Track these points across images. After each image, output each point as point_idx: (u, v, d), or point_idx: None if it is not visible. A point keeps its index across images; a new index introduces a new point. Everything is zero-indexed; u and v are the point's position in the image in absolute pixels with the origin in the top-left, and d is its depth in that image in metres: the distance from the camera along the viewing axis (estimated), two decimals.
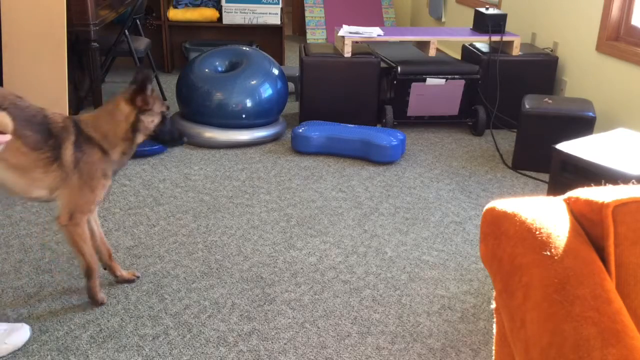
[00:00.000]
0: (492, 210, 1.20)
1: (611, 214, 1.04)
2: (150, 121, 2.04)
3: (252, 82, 3.65)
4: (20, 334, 1.95)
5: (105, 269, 2.27)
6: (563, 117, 3.24)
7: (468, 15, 5.39)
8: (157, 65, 5.25)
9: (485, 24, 3.96)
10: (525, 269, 1.06)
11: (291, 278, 2.35)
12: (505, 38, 3.94)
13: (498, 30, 3.95)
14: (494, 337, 1.26)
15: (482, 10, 4.06)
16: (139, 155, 3.46)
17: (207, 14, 5.38)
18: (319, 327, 2.07)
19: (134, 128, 2.02)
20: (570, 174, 2.48)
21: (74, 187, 1.96)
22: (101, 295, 2.17)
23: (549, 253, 1.04)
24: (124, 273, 2.29)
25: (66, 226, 2.00)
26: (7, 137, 1.75)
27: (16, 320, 2.06)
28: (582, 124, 3.19)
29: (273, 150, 3.66)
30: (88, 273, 2.11)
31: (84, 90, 4.25)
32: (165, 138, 2.13)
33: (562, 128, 3.19)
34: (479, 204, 3.01)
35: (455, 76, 3.87)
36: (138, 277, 2.31)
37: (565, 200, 1.17)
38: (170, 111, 2.09)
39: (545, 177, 3.20)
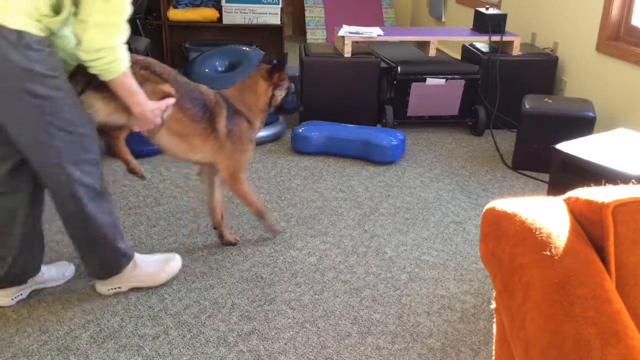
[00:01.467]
0: (492, 210, 1.20)
1: (611, 214, 1.04)
2: (280, 95, 2.42)
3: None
4: (175, 262, 2.30)
5: (214, 228, 2.56)
6: (563, 117, 3.25)
7: (468, 15, 5.39)
8: None
9: (485, 24, 3.96)
10: (525, 269, 1.06)
11: (291, 278, 2.35)
12: (505, 38, 3.94)
13: (498, 30, 3.95)
14: (494, 337, 1.26)
15: (482, 10, 4.06)
16: (139, 155, 3.46)
17: (207, 14, 5.38)
18: (319, 327, 2.07)
19: (270, 101, 2.40)
20: (570, 174, 2.48)
21: (229, 153, 2.33)
22: (277, 226, 2.65)
23: (549, 253, 1.04)
24: (229, 236, 2.57)
25: (233, 186, 2.41)
26: (172, 100, 2.08)
27: (16, 321, 2.06)
28: (582, 124, 3.19)
29: (273, 150, 3.66)
30: (260, 215, 2.54)
31: None
32: (289, 108, 2.52)
33: (562, 128, 3.19)
34: (479, 204, 3.01)
35: (455, 76, 3.87)
36: (239, 242, 2.58)
37: (565, 200, 1.17)
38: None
39: (545, 177, 3.20)
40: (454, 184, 3.24)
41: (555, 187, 2.58)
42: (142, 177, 2.32)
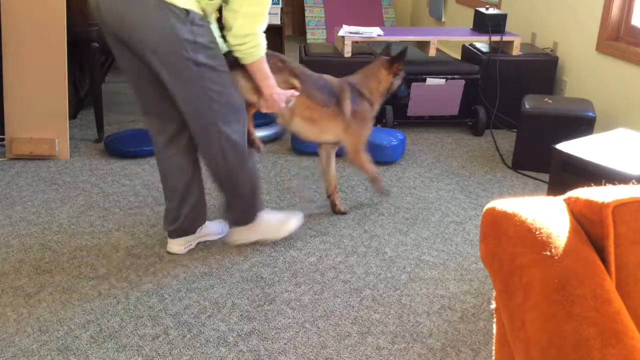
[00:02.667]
0: (492, 210, 1.20)
1: (611, 214, 1.04)
2: (397, 83, 2.80)
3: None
4: (297, 219, 2.61)
5: (328, 197, 2.88)
6: (563, 117, 3.24)
7: (468, 15, 5.39)
8: None
9: (485, 24, 3.96)
10: (525, 269, 1.06)
11: (291, 278, 2.35)
12: (505, 38, 3.94)
13: (498, 30, 3.95)
14: (494, 337, 1.26)
15: (482, 10, 4.06)
16: (139, 155, 3.46)
17: None
18: (319, 327, 2.07)
19: (388, 87, 2.78)
20: (570, 174, 2.48)
21: (354, 131, 2.68)
22: (385, 189, 3.05)
23: (549, 253, 1.04)
24: (341, 206, 2.88)
25: (354, 158, 2.76)
26: (297, 93, 2.41)
27: (16, 321, 2.06)
28: (582, 124, 3.19)
29: (273, 150, 3.66)
30: (374, 179, 2.88)
31: (84, 90, 4.25)
32: (402, 95, 2.90)
33: (562, 128, 3.19)
34: (479, 204, 3.01)
35: (455, 76, 3.87)
36: (348, 212, 2.88)
37: (565, 200, 1.17)
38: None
39: (545, 177, 3.20)
40: (454, 184, 3.24)
41: (555, 187, 2.58)
42: (258, 150, 2.50)
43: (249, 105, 2.36)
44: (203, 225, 2.52)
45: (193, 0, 2.03)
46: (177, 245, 2.48)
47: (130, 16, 2.02)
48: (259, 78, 2.24)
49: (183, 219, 2.42)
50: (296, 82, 2.46)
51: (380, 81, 2.76)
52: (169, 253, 2.48)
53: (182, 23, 2.00)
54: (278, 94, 2.30)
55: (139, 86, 2.27)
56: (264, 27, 2.14)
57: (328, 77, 2.65)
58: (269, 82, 2.27)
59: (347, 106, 2.63)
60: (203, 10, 2.08)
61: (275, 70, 2.33)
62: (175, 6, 1.99)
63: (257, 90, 2.29)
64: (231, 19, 2.08)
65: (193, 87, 2.12)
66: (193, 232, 2.49)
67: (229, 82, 2.20)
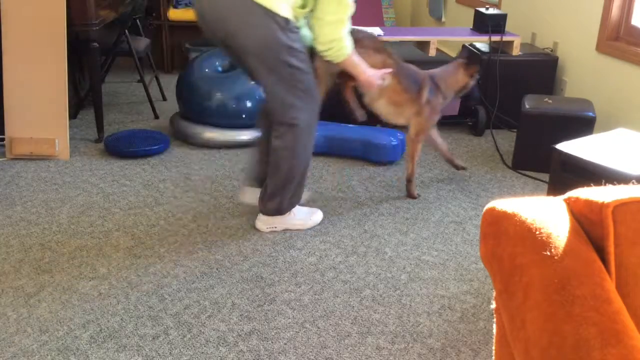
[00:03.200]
0: (492, 210, 1.20)
1: (611, 214, 1.04)
2: (470, 84, 3.03)
3: (252, 82, 3.64)
4: (319, 215, 2.77)
5: (446, 160, 3.32)
6: (563, 117, 3.24)
7: (468, 15, 5.39)
8: (157, 65, 5.25)
9: (485, 24, 3.96)
10: (525, 269, 1.06)
11: (291, 278, 2.35)
12: (505, 38, 3.94)
13: (498, 30, 3.95)
14: (494, 337, 1.26)
15: (482, 10, 4.06)
16: (139, 155, 3.46)
17: None
18: (319, 327, 2.07)
19: (463, 86, 3.02)
20: (570, 174, 2.48)
21: (423, 117, 2.92)
22: (417, 192, 3.09)
23: (549, 253, 1.04)
24: (459, 163, 3.33)
25: (412, 140, 2.98)
26: (390, 70, 2.72)
27: (16, 321, 2.06)
28: (582, 124, 3.19)
29: None
30: (410, 177, 3.04)
31: (84, 90, 4.25)
32: (475, 96, 3.33)
33: (562, 128, 3.19)
34: (479, 204, 3.01)
35: None
36: (466, 168, 3.39)
37: (565, 200, 1.17)
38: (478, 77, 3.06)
39: (545, 177, 3.20)
40: (454, 184, 3.24)
41: (555, 187, 2.58)
42: (362, 117, 2.85)
43: (350, 79, 2.68)
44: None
45: (289, 9, 2.27)
46: (263, 224, 2.68)
47: (234, 22, 2.27)
48: (351, 70, 2.54)
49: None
50: (391, 63, 2.76)
51: (457, 80, 2.99)
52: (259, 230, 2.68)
53: (282, 30, 2.27)
54: (372, 76, 2.60)
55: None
56: (347, 30, 2.38)
57: (414, 67, 2.91)
58: (361, 68, 2.55)
59: (425, 95, 2.88)
60: (295, 18, 2.32)
61: (376, 50, 2.72)
62: (279, 15, 2.24)
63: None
64: (317, 27, 2.34)
65: (284, 85, 2.36)
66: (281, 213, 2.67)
67: (312, 84, 2.45)
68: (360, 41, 2.65)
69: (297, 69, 2.35)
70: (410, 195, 3.06)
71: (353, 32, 2.49)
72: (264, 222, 2.66)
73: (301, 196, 2.68)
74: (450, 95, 3.01)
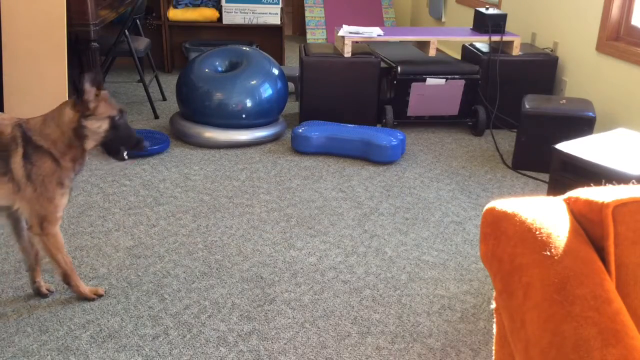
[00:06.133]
0: (492, 210, 1.20)
1: (611, 214, 1.04)
2: (98, 126, 1.93)
3: (252, 82, 3.65)
4: None
5: (27, 270, 2.20)
6: (563, 117, 3.24)
7: (468, 15, 5.39)
8: (157, 65, 5.25)
9: (485, 24, 3.96)
10: (525, 269, 1.06)
11: (291, 278, 2.35)
12: (505, 38, 3.94)
13: (498, 30, 3.95)
14: (494, 337, 1.26)
15: (482, 10, 4.06)
16: (139, 155, 3.46)
17: (207, 14, 5.38)
18: (319, 327, 2.07)
19: (79, 134, 1.92)
20: (570, 174, 2.48)
21: (30, 199, 1.92)
22: (89, 289, 2.18)
23: (549, 253, 1.04)
24: (43, 284, 2.21)
25: (39, 235, 1.99)
26: None
27: (16, 321, 2.06)
28: (582, 124, 3.19)
29: (273, 150, 3.66)
30: (66, 278, 2.11)
31: None
32: (118, 146, 1.99)
33: (562, 128, 3.19)
34: (479, 204, 3.01)
35: (455, 76, 3.87)
36: (51, 293, 2.20)
37: (565, 200, 1.17)
38: (125, 115, 2.01)
39: (545, 177, 3.20)
40: (454, 184, 3.24)
41: (555, 187, 2.58)
42: None
43: None
44: None
45: None
46: None
47: None
48: None
49: None
50: None
51: (61, 128, 1.92)
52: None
53: None
54: None
55: None
56: None
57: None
58: None
59: (17, 163, 1.89)
60: None
61: None
62: None
63: None
64: None
65: None
66: None
67: None
68: None
69: None
70: (84, 296, 2.16)
71: None
72: None
73: None
74: (64, 155, 1.93)
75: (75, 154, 1.95)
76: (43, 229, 1.97)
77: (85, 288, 2.17)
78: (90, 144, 1.95)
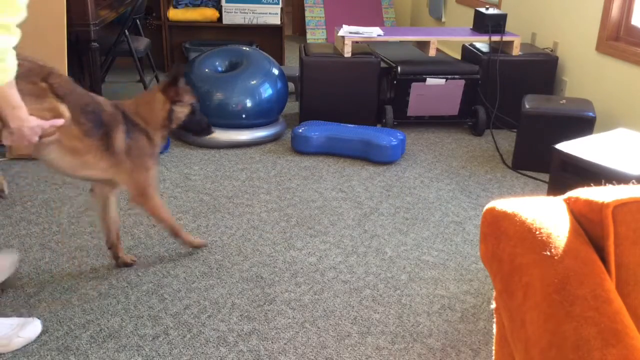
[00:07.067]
0: (492, 210, 1.20)
1: (611, 214, 1.04)
2: (181, 111, 2.27)
3: (252, 82, 3.65)
4: (33, 327, 2.01)
5: (109, 248, 2.40)
6: (563, 117, 3.24)
7: (468, 15, 5.39)
8: (157, 65, 5.25)
9: (485, 24, 3.96)
10: (525, 269, 1.06)
11: (291, 278, 2.35)
12: (505, 38, 3.94)
13: (498, 30, 3.95)
14: (494, 337, 1.26)
15: (482, 10, 4.06)
16: None
17: (207, 14, 5.38)
18: (319, 327, 2.07)
19: (168, 117, 2.26)
20: (570, 174, 2.48)
21: (130, 170, 2.18)
22: (198, 240, 2.52)
23: (549, 253, 1.04)
24: (125, 256, 2.42)
25: (142, 204, 2.25)
26: (60, 121, 1.90)
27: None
28: (582, 124, 3.19)
29: (273, 150, 3.66)
30: (175, 234, 2.40)
31: None
32: (195, 128, 2.37)
33: (562, 128, 3.19)
34: (479, 204, 3.01)
35: (455, 76, 3.87)
36: (135, 262, 2.43)
37: (565, 200, 1.17)
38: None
39: (545, 177, 3.20)
40: (454, 184, 3.24)
41: (555, 187, 2.58)
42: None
43: None
44: None
45: None
46: None
47: None
48: (4, 107, 1.71)
49: None
50: (64, 110, 1.95)
51: (154, 111, 2.24)
52: None
53: None
54: (30, 127, 1.79)
55: None
56: (15, 40, 1.61)
57: (102, 101, 2.13)
58: (19, 113, 1.74)
59: (119, 139, 2.13)
60: None
61: (38, 94, 1.88)
62: None
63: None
64: None
65: None
66: None
67: None
68: (23, 71, 1.78)
69: None
70: (193, 246, 2.49)
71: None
72: None
73: None
74: (156, 132, 2.25)
75: (164, 133, 2.29)
76: (144, 196, 2.24)
77: (195, 239, 2.49)
78: (174, 124, 2.28)
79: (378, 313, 2.15)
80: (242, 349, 1.95)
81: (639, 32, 3.42)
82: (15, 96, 1.71)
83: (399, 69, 3.84)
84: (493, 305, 1.22)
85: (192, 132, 2.41)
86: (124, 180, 2.20)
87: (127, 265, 2.41)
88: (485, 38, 3.97)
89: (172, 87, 2.25)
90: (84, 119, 2.03)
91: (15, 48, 1.63)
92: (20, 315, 2.09)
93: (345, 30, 3.93)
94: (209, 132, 2.45)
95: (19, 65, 1.72)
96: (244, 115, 3.63)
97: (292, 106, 4.45)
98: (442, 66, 3.95)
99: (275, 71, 3.77)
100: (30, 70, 1.88)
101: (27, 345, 1.94)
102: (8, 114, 1.73)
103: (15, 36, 1.60)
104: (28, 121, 1.78)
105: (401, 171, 3.39)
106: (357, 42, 3.97)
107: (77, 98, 2.02)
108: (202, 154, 3.56)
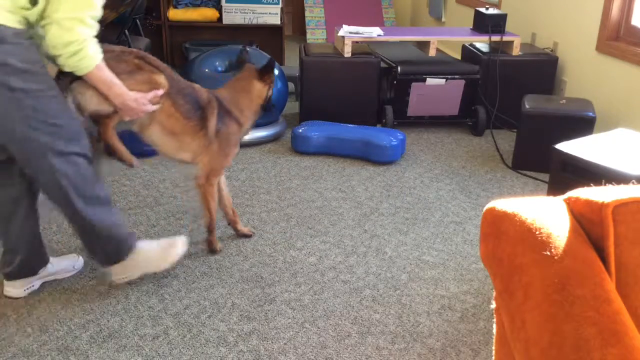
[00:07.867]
0: (492, 210, 1.20)
1: (611, 214, 1.04)
2: (270, 94, 2.45)
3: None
4: (179, 247, 2.26)
5: (229, 224, 2.61)
6: (563, 117, 3.24)
7: (468, 15, 5.39)
8: None
9: (485, 24, 3.96)
10: (525, 269, 1.06)
11: (291, 278, 2.35)
12: (505, 38, 3.94)
13: (498, 30, 3.95)
14: (494, 337, 1.26)
15: (482, 10, 4.06)
16: (139, 155, 3.45)
17: (207, 14, 5.38)
18: (319, 327, 2.07)
19: (266, 102, 2.43)
20: (570, 174, 2.48)
21: (213, 153, 2.31)
22: (220, 245, 2.53)
23: (549, 253, 1.04)
24: (244, 228, 2.63)
25: (203, 185, 2.37)
26: (161, 91, 2.09)
27: (16, 321, 2.06)
28: (582, 124, 3.19)
29: (273, 150, 3.66)
30: (210, 227, 2.47)
31: None
32: (267, 106, 2.48)
33: (562, 128, 3.19)
34: (479, 204, 3.01)
35: (455, 76, 3.87)
36: (254, 234, 2.64)
37: (565, 200, 1.17)
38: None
39: (545, 177, 3.20)
40: (454, 184, 3.24)
41: (555, 187, 2.58)
42: (131, 165, 2.22)
43: (108, 116, 2.05)
44: (45, 267, 2.22)
45: (3, 12, 1.69)
46: (15, 288, 2.17)
47: None
48: (102, 88, 1.93)
49: (18, 261, 2.12)
50: (162, 79, 2.12)
51: (252, 97, 2.40)
52: (7, 297, 2.18)
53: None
54: (133, 99, 2.00)
55: None
56: (88, 34, 1.80)
57: (196, 87, 2.30)
58: (116, 89, 1.94)
59: (212, 123, 2.28)
60: (25, 22, 1.75)
61: (132, 69, 2.04)
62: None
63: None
64: (47, 27, 1.76)
65: (9, 116, 1.78)
66: (34, 273, 2.19)
67: (59, 108, 1.87)
68: (115, 54, 2.03)
69: (24, 92, 1.77)
70: (211, 249, 2.50)
71: (103, 46, 1.91)
72: (111, 274, 2.21)
73: (126, 238, 2.15)
74: (248, 120, 2.40)
75: (255, 118, 2.42)
76: (208, 180, 2.35)
77: (217, 243, 2.51)
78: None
79: (378, 313, 2.15)
80: (242, 349, 1.95)
81: (639, 32, 3.42)
82: (106, 76, 1.91)
83: (399, 69, 3.84)
84: (493, 305, 1.22)
85: (263, 109, 2.48)
86: (203, 162, 2.33)
87: (247, 236, 2.61)
88: (485, 38, 3.97)
89: (269, 74, 2.38)
90: (182, 100, 2.19)
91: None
92: (20, 316, 2.09)
93: (345, 30, 3.93)
94: (270, 109, 2.55)
95: (111, 50, 1.97)
96: None
97: (292, 106, 4.45)
98: (442, 66, 3.95)
99: (275, 71, 3.77)
100: (123, 51, 2.05)
101: (28, 344, 1.94)
102: (108, 94, 1.94)
103: (90, 28, 1.80)
104: (128, 94, 1.98)
105: (401, 171, 3.39)
106: (357, 42, 3.97)
107: (175, 80, 2.18)
108: None
